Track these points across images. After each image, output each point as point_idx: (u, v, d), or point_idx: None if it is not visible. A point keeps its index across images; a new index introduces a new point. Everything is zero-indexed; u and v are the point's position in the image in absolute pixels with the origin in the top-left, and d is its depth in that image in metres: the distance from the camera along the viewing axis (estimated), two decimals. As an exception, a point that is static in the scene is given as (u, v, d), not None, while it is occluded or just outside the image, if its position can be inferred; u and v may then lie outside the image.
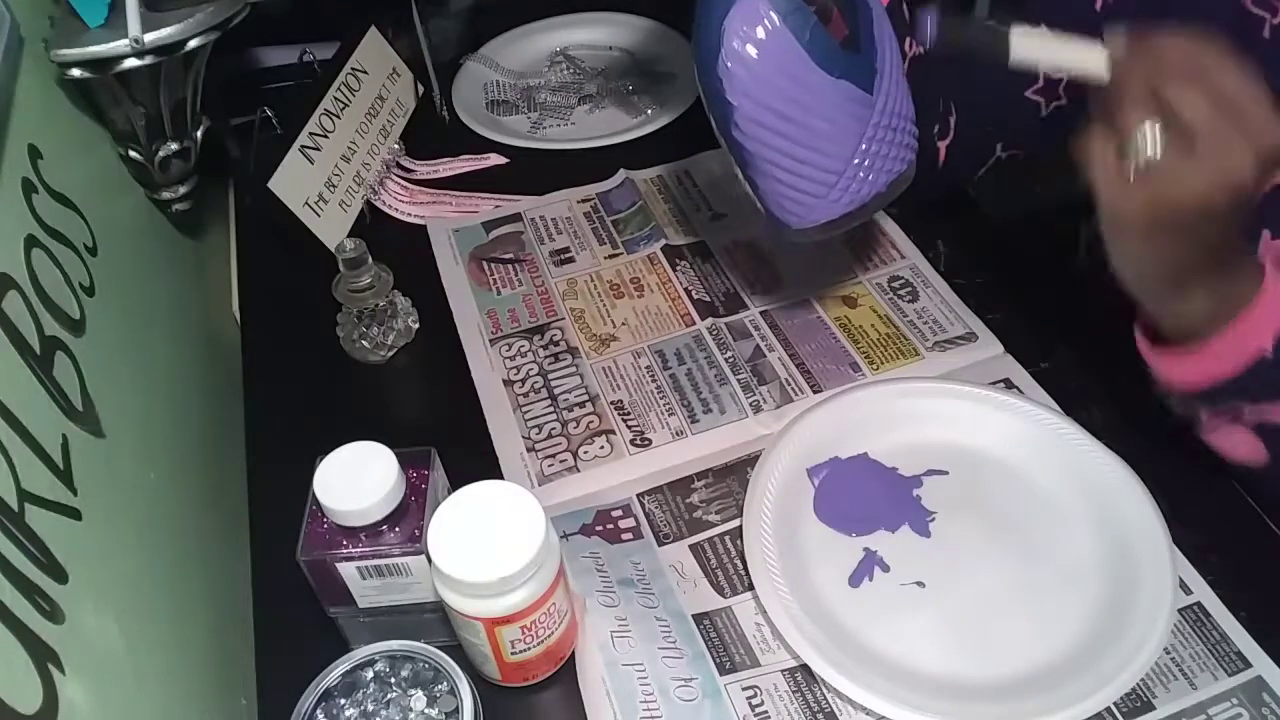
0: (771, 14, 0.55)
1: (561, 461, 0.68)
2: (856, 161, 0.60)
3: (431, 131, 0.96)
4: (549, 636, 0.54)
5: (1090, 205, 0.53)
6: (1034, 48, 0.52)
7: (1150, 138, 0.46)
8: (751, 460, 0.65)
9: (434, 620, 0.55)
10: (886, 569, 0.60)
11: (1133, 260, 0.52)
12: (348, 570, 0.53)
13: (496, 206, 0.88)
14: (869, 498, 0.63)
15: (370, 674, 0.52)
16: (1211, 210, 0.47)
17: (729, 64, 0.56)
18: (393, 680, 0.52)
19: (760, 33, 0.56)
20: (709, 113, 0.60)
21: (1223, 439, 0.58)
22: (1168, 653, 0.55)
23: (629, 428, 0.69)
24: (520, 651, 0.53)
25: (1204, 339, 0.53)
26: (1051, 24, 0.70)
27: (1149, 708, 0.53)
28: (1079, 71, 0.51)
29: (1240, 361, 0.52)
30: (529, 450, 0.68)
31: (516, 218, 0.87)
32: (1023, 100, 0.73)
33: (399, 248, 0.82)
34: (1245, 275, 0.52)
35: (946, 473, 0.64)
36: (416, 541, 0.52)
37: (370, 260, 0.72)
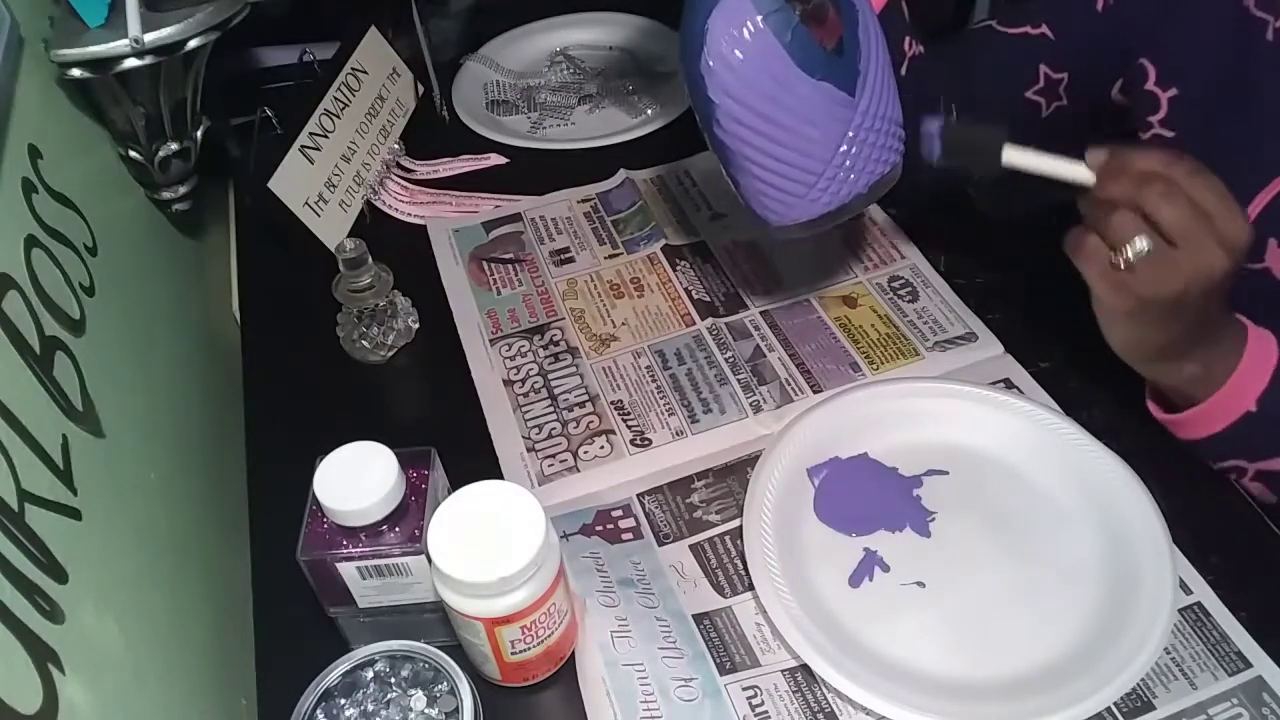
0: (755, 14, 0.56)
1: (561, 461, 0.68)
2: (837, 162, 0.60)
3: (431, 131, 0.96)
4: (549, 636, 0.54)
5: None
6: (1023, 158, 0.57)
7: (1136, 244, 0.52)
8: (751, 460, 0.65)
9: (434, 620, 0.55)
10: (887, 569, 0.60)
11: (1125, 340, 0.58)
12: (348, 570, 0.53)
13: (496, 206, 0.88)
14: (869, 498, 0.63)
15: (370, 674, 0.52)
16: (1192, 299, 0.53)
17: (710, 63, 0.57)
18: (393, 680, 0.52)
19: (743, 33, 0.56)
20: (694, 110, 0.60)
21: (1246, 483, 0.62)
22: (1168, 653, 0.55)
23: (629, 428, 0.69)
24: (520, 651, 0.53)
25: (1197, 402, 0.58)
26: (1054, 27, 0.70)
27: (1149, 708, 0.53)
28: (1066, 179, 0.56)
29: (1229, 421, 0.58)
30: (529, 450, 0.68)
31: (516, 218, 0.87)
32: (1023, 100, 0.73)
33: (399, 248, 0.82)
34: (1230, 340, 0.57)
35: (946, 473, 0.64)
36: (416, 541, 0.52)
37: (370, 260, 0.72)
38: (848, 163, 0.60)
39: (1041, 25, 0.71)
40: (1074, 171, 0.56)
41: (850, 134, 0.60)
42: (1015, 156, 0.56)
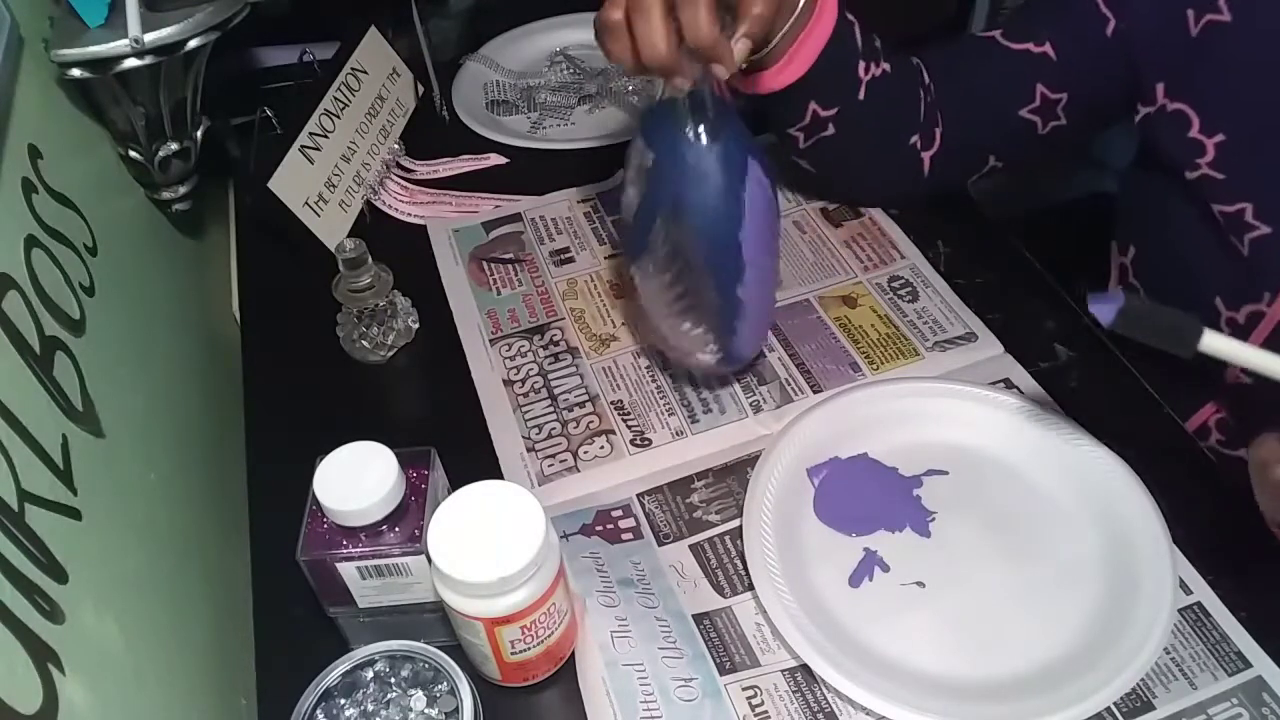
0: (764, 174, 0.58)
1: (561, 461, 0.68)
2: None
3: (431, 131, 0.96)
4: (549, 636, 0.54)
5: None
6: (1224, 348, 0.49)
7: None
8: (751, 460, 0.65)
9: (434, 620, 0.55)
10: (886, 569, 0.60)
11: None
12: (348, 570, 0.53)
13: (496, 206, 0.88)
14: (869, 498, 0.63)
15: (370, 674, 0.52)
16: None
17: (750, 229, 0.58)
18: (393, 680, 0.52)
19: (765, 191, 0.58)
20: (703, 268, 0.59)
21: None
22: (1168, 653, 0.55)
23: (629, 428, 0.69)
24: (520, 651, 0.53)
25: None
26: (1058, 47, 0.69)
27: (1149, 708, 0.53)
28: (1268, 373, 0.49)
29: None
30: (529, 450, 0.68)
31: (516, 218, 0.87)
32: (1017, 119, 0.72)
33: (399, 248, 0.82)
34: None
35: (946, 473, 0.64)
36: (416, 541, 0.52)
37: (370, 260, 0.72)
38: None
39: (1045, 44, 0.70)
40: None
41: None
42: (1217, 344, 0.48)
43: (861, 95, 0.71)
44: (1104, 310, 0.48)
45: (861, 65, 0.70)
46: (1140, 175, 0.74)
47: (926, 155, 0.77)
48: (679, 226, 0.58)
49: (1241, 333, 0.66)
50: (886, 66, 0.72)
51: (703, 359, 0.65)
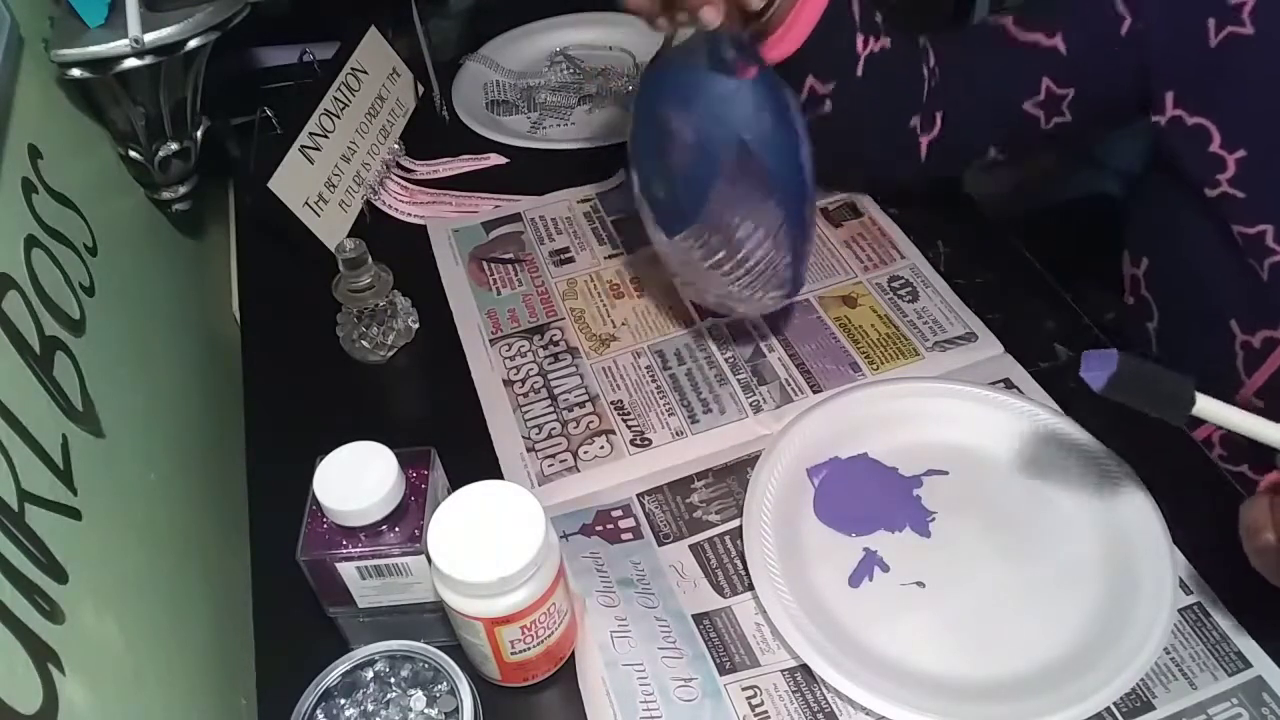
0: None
1: (561, 461, 0.68)
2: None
3: (431, 131, 0.96)
4: (549, 636, 0.54)
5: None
6: (1217, 412, 0.49)
7: None
8: (751, 460, 0.65)
9: (434, 620, 0.55)
10: (886, 569, 0.60)
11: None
12: (348, 570, 0.53)
13: (496, 206, 0.88)
14: (869, 498, 0.63)
15: (370, 674, 0.52)
16: None
17: (806, 148, 0.59)
18: (393, 680, 0.52)
19: (798, 101, 0.60)
20: (775, 203, 0.59)
21: None
22: (1168, 653, 0.55)
23: (629, 428, 0.69)
24: (520, 651, 0.53)
25: None
26: (1069, 41, 0.67)
27: (1149, 708, 0.53)
28: (1267, 441, 0.49)
29: None
30: (529, 450, 0.68)
31: (516, 218, 0.87)
32: (1020, 111, 0.71)
33: (399, 248, 0.82)
34: None
35: (946, 473, 0.64)
36: (416, 541, 0.52)
37: (370, 260, 0.72)
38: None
39: (1056, 36, 0.68)
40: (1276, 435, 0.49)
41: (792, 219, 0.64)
42: (1209, 408, 0.48)
43: (859, 71, 0.69)
44: (1095, 377, 0.47)
45: (860, 39, 0.68)
46: (1155, 185, 0.72)
47: (925, 139, 0.75)
48: (746, 169, 0.57)
49: (1257, 358, 0.65)
50: (886, 42, 0.70)
51: (768, 301, 0.65)
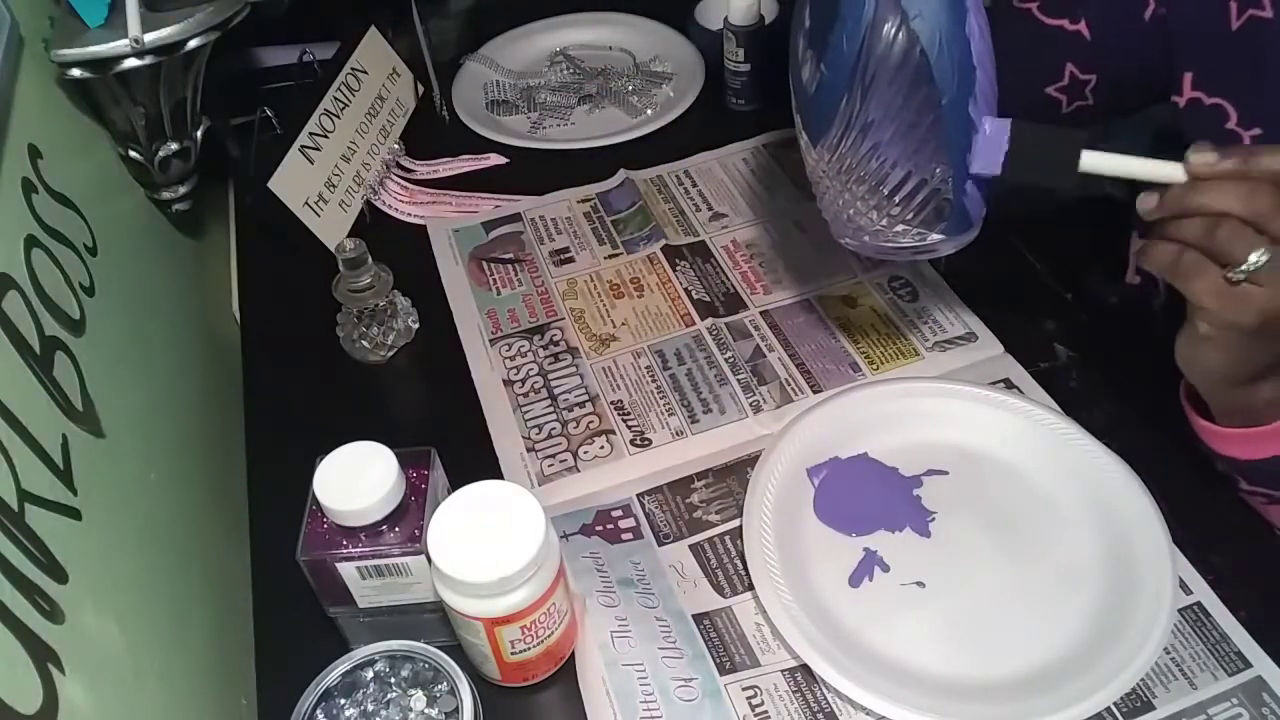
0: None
1: (561, 461, 0.68)
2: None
3: (431, 131, 0.96)
4: (549, 636, 0.54)
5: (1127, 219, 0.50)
6: (1105, 161, 0.50)
7: (1254, 257, 0.47)
8: (751, 460, 0.65)
9: (434, 620, 0.55)
10: (886, 569, 0.60)
11: (1223, 361, 0.52)
12: (348, 570, 0.53)
13: (496, 206, 0.88)
14: (869, 498, 0.63)
15: (370, 674, 0.52)
16: None
17: (974, 20, 0.49)
18: (393, 680, 0.52)
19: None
20: (931, 86, 0.49)
21: (1261, 505, 0.59)
22: (1168, 653, 0.55)
23: (629, 428, 0.69)
24: (520, 651, 0.53)
25: (1260, 423, 0.54)
26: (1093, 27, 0.67)
27: (1149, 708, 0.53)
28: (1153, 178, 0.50)
29: None
30: (529, 450, 0.68)
31: (516, 218, 0.87)
32: (1043, 95, 0.71)
33: (399, 248, 0.82)
34: None
35: (946, 473, 0.64)
36: (416, 541, 0.52)
37: (370, 260, 0.72)
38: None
39: (1080, 22, 0.68)
40: (1166, 172, 0.49)
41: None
42: (1096, 161, 0.49)
43: None
44: (990, 160, 0.49)
45: None
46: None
47: None
48: (903, 40, 0.48)
49: None
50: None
51: (934, 240, 0.55)
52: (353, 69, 0.90)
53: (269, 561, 0.63)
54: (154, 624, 0.53)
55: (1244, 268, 0.47)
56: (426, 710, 0.51)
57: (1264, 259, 0.46)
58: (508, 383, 0.73)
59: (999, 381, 0.69)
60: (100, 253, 0.62)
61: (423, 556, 0.51)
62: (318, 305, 0.75)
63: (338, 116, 0.87)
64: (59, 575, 0.44)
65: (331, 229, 0.82)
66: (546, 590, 0.51)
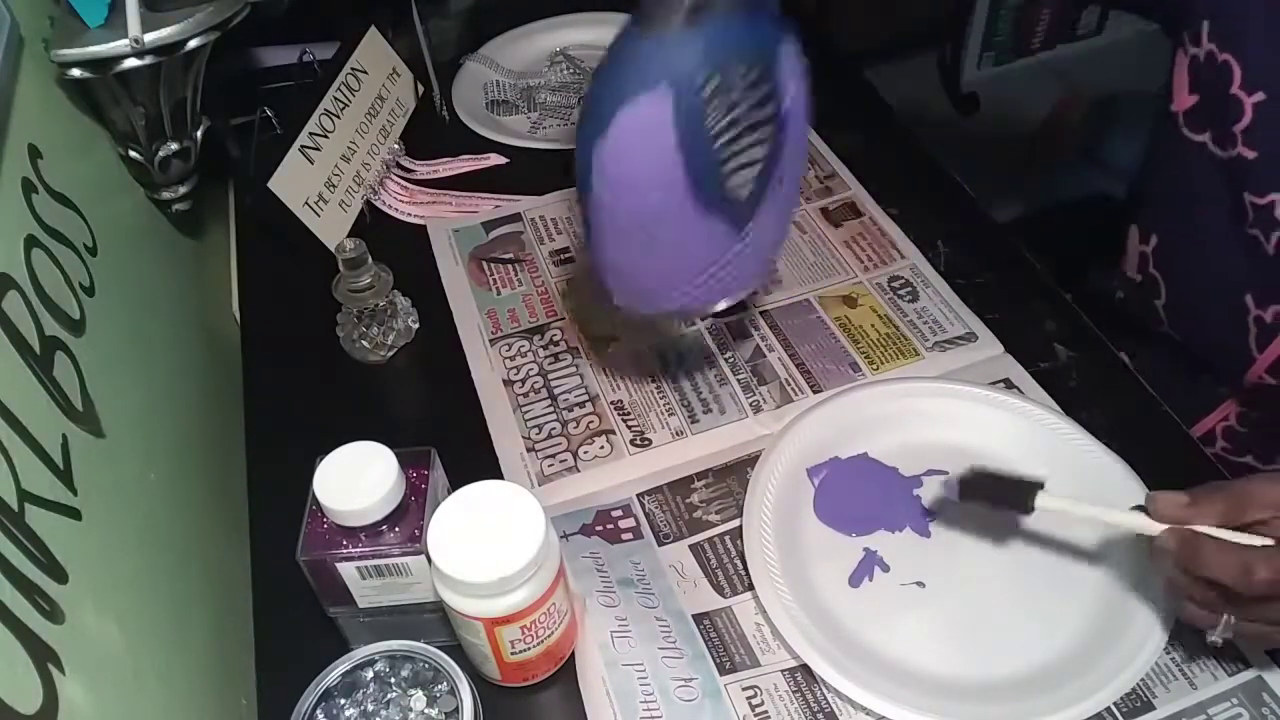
0: (670, 129, 0.50)
1: (561, 461, 0.68)
2: (698, 282, 0.57)
3: (431, 131, 0.96)
4: (549, 636, 0.54)
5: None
6: (1057, 505, 0.54)
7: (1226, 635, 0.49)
8: (751, 460, 0.65)
9: (434, 620, 0.55)
10: (886, 569, 0.60)
11: None
12: (348, 570, 0.53)
13: (496, 206, 0.88)
14: (869, 498, 0.63)
15: (370, 674, 0.52)
16: None
17: (605, 154, 0.52)
18: (393, 680, 0.52)
19: (650, 139, 0.51)
20: (577, 172, 0.55)
21: None
22: (1168, 653, 0.55)
23: (629, 428, 0.69)
24: (520, 651, 0.53)
25: None
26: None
27: (1149, 708, 0.53)
28: (1120, 528, 0.53)
29: None
30: (529, 450, 0.68)
31: (516, 218, 0.87)
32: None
33: (399, 248, 0.82)
34: None
35: (946, 473, 0.64)
36: (416, 541, 0.52)
37: (370, 260, 0.72)
38: (710, 282, 0.57)
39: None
40: (1133, 523, 0.51)
41: (721, 261, 0.56)
42: (1051, 504, 0.54)
43: None
44: (950, 488, 0.57)
45: None
46: (1166, 159, 0.72)
47: None
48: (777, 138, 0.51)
49: (1269, 333, 0.65)
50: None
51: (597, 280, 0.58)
52: (353, 69, 0.90)
53: (269, 561, 0.63)
54: (154, 624, 0.53)
55: (1214, 638, 0.50)
56: (426, 710, 0.51)
57: (1227, 635, 0.49)
58: (508, 383, 0.73)
59: (999, 381, 0.69)
60: (100, 253, 0.62)
61: (423, 556, 0.51)
62: (318, 305, 0.75)
63: (338, 116, 0.87)
64: (59, 575, 0.44)
65: (331, 229, 0.82)
66: (546, 590, 0.51)
